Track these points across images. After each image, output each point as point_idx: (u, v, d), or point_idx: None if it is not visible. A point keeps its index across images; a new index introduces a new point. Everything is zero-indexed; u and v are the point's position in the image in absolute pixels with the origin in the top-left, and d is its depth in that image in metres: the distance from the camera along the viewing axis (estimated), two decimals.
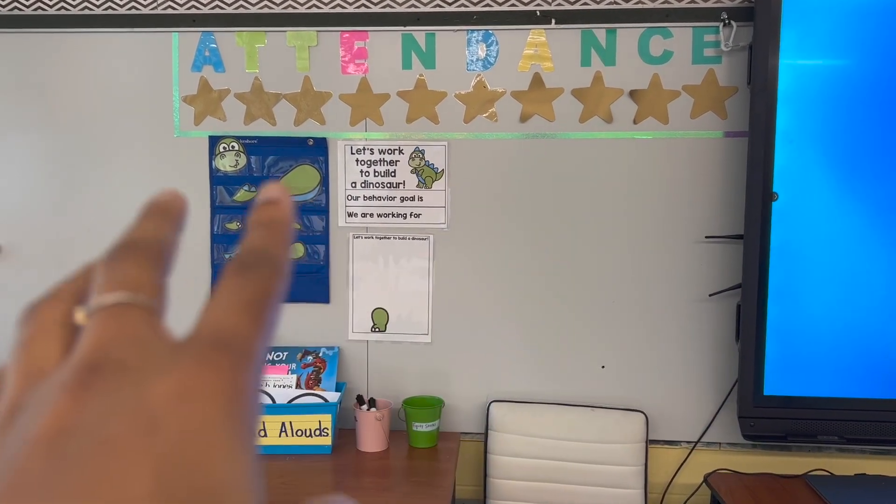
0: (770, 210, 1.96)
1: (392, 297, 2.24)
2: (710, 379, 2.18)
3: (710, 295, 2.15)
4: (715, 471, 2.11)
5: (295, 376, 2.15)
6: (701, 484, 2.16)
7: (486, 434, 2.19)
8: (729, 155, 2.12)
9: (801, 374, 2.00)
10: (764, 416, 2.02)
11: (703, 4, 2.08)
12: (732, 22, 2.06)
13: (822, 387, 2.00)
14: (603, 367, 2.22)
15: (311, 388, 2.13)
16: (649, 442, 2.15)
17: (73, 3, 2.20)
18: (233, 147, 2.21)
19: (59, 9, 2.20)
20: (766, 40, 1.93)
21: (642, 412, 2.15)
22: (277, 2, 2.17)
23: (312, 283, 2.24)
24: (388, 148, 2.20)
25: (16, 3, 2.21)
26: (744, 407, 2.02)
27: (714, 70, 2.10)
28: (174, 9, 2.19)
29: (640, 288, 2.18)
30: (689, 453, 2.21)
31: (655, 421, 2.19)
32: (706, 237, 2.15)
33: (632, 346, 2.20)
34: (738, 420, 2.03)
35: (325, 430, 2.03)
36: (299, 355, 2.19)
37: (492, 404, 2.20)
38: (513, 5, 2.12)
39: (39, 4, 2.21)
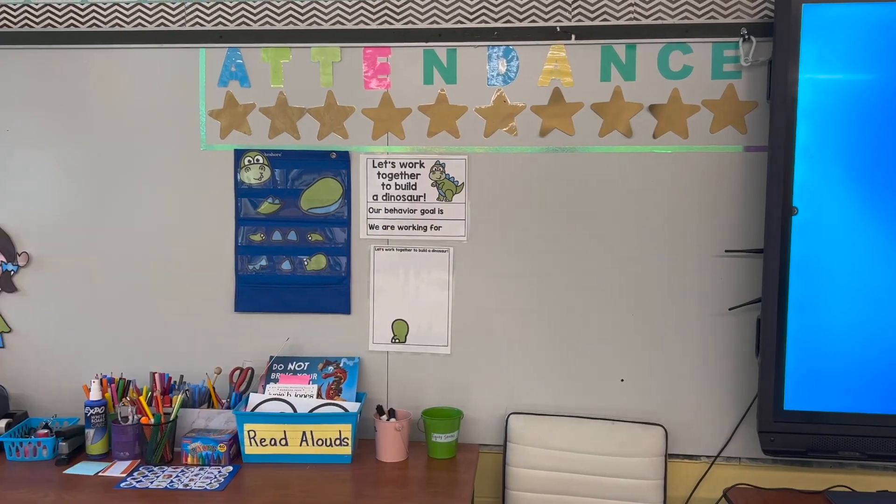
0: (790, 224, 1.96)
1: (412, 309, 2.27)
2: (730, 393, 2.18)
3: (730, 309, 2.15)
4: (734, 485, 2.10)
5: (316, 386, 2.17)
6: (720, 499, 2.15)
7: (504, 446, 2.19)
8: (749, 169, 2.13)
9: (822, 388, 1.99)
10: (784, 431, 2.01)
11: (722, 20, 2.09)
12: (752, 37, 2.07)
13: (843, 402, 1.99)
14: (622, 380, 2.22)
15: (332, 398, 2.15)
16: (668, 456, 2.15)
17: (104, 20, 2.26)
18: (257, 160, 2.26)
19: (90, 25, 2.26)
20: (786, 55, 1.94)
21: (661, 426, 2.15)
22: (302, 18, 2.21)
23: (334, 295, 2.27)
24: (409, 161, 2.23)
25: (49, 20, 2.27)
26: (764, 421, 2.01)
27: (734, 85, 2.11)
28: (202, 25, 2.24)
29: (659, 301, 2.19)
30: (709, 468, 2.20)
31: (675, 435, 2.19)
32: (726, 251, 2.15)
33: (651, 359, 2.21)
34: (758, 435, 2.03)
35: (346, 440, 2.06)
36: (320, 365, 2.22)
37: (511, 416, 2.21)
38: (533, 21, 2.15)
39: (72, 21, 2.27)
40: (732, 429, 2.18)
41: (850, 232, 1.96)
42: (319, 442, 2.06)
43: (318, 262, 2.27)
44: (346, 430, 2.05)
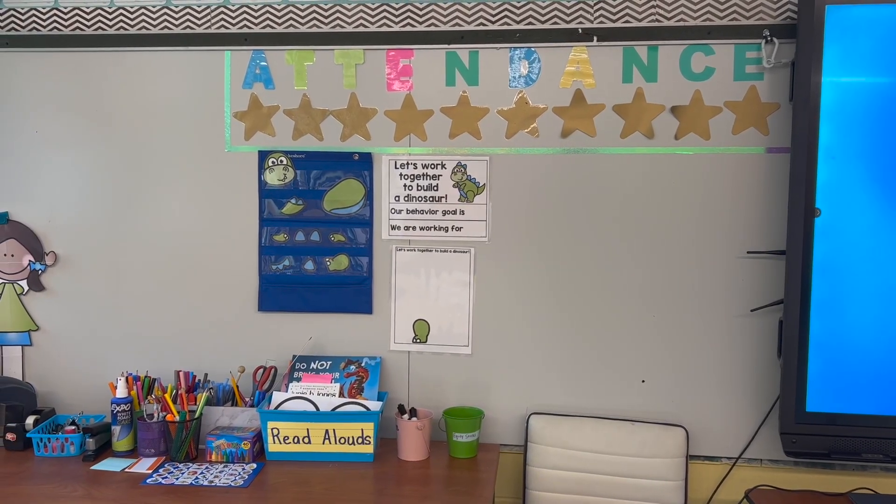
0: (812, 226, 1.96)
1: (433, 309, 2.28)
2: (752, 394, 2.18)
3: (752, 310, 2.15)
4: (756, 487, 2.10)
5: (338, 385, 2.19)
6: (742, 500, 2.15)
7: (525, 446, 2.20)
8: (771, 171, 2.12)
9: (844, 390, 1.99)
10: (806, 433, 2.01)
11: (745, 21, 2.09)
12: (774, 39, 2.07)
13: (866, 404, 1.98)
14: (643, 381, 2.22)
15: (354, 397, 2.17)
16: (689, 457, 2.15)
17: (131, 24, 2.30)
18: (281, 161, 2.28)
19: (118, 29, 2.30)
20: (809, 57, 1.93)
21: (683, 427, 2.15)
22: (326, 21, 2.24)
23: (356, 295, 2.29)
24: (430, 162, 2.25)
25: (78, 24, 2.31)
26: (786, 423, 2.01)
27: (756, 86, 2.11)
28: (226, 28, 2.27)
29: (681, 302, 2.19)
30: (730, 469, 2.19)
31: (696, 436, 2.19)
32: (748, 252, 2.15)
33: (672, 360, 2.21)
34: (780, 436, 2.02)
35: (368, 439, 2.07)
36: (342, 364, 2.24)
37: (531, 416, 2.21)
38: (555, 23, 2.16)
39: (100, 25, 2.31)
40: (754, 430, 2.18)
41: (873, 234, 1.95)
42: (342, 440, 2.07)
43: (340, 263, 2.29)
44: (369, 428, 2.07)
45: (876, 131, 1.94)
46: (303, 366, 2.25)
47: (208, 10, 2.27)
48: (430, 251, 2.27)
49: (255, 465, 2.04)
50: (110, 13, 2.30)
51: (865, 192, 1.95)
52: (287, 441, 2.08)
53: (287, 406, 2.13)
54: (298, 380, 2.22)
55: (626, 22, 2.14)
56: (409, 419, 2.11)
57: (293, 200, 2.29)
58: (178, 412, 2.09)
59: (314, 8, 2.24)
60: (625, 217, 2.20)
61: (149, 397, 2.16)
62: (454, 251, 2.26)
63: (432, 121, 2.24)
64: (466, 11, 2.19)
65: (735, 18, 2.10)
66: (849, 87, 1.94)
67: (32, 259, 2.38)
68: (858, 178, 1.95)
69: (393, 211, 2.27)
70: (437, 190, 2.25)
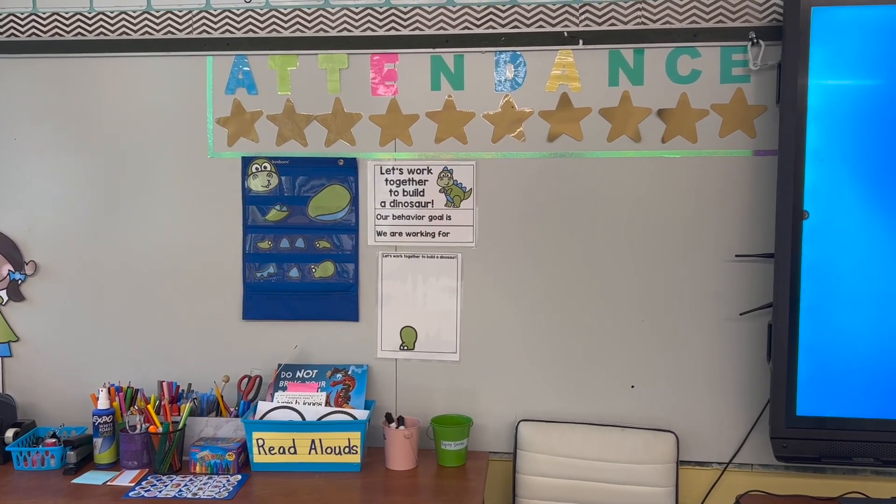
0: (801, 228, 1.95)
1: (420, 316, 2.26)
2: (742, 399, 2.16)
3: (741, 314, 2.14)
4: (747, 492, 2.08)
5: (324, 394, 2.16)
6: None
7: (514, 453, 2.18)
8: (758, 173, 2.12)
9: (834, 394, 1.98)
10: (797, 437, 1.99)
11: (731, 24, 2.09)
12: (761, 41, 2.07)
13: (856, 407, 1.97)
14: (633, 386, 2.21)
15: (341, 406, 2.14)
16: (680, 463, 2.13)
17: (112, 29, 2.27)
18: (265, 167, 2.25)
19: (97, 34, 2.27)
20: (795, 59, 1.93)
21: (673, 432, 2.13)
22: (309, 25, 2.21)
23: (342, 302, 2.26)
24: (416, 168, 2.23)
25: (56, 29, 2.28)
26: (776, 427, 2.00)
27: (742, 89, 2.11)
28: (209, 33, 2.24)
29: (669, 307, 2.18)
30: (721, 474, 2.18)
31: (686, 441, 2.17)
32: (736, 256, 2.14)
33: (662, 365, 2.19)
34: (771, 441, 2.01)
35: (355, 448, 2.04)
36: (329, 373, 2.21)
37: (520, 423, 2.19)
38: (540, 27, 2.15)
39: (79, 30, 2.27)
40: (744, 435, 2.17)
41: (861, 235, 1.94)
42: (328, 450, 2.04)
43: (325, 270, 2.26)
44: (355, 437, 2.04)
45: (863, 133, 1.94)
46: (288, 375, 2.22)
47: (190, 15, 2.24)
48: (417, 257, 2.25)
49: (239, 477, 2.01)
50: (90, 18, 2.27)
51: (853, 194, 1.94)
52: (272, 451, 2.04)
53: (272, 416, 2.10)
54: (284, 389, 2.19)
55: (612, 25, 2.12)
56: (397, 428, 2.08)
57: (277, 207, 2.26)
58: (162, 423, 2.05)
59: (297, 12, 2.21)
60: (612, 221, 2.18)
61: (131, 408, 2.12)
62: (441, 257, 2.24)
63: (418, 125, 2.22)
64: (451, 15, 2.17)
65: (721, 21, 2.09)
66: (835, 90, 1.93)
67: (12, 269, 2.34)
68: (846, 181, 1.95)
69: (379, 217, 2.25)
70: (423, 195, 2.23)
